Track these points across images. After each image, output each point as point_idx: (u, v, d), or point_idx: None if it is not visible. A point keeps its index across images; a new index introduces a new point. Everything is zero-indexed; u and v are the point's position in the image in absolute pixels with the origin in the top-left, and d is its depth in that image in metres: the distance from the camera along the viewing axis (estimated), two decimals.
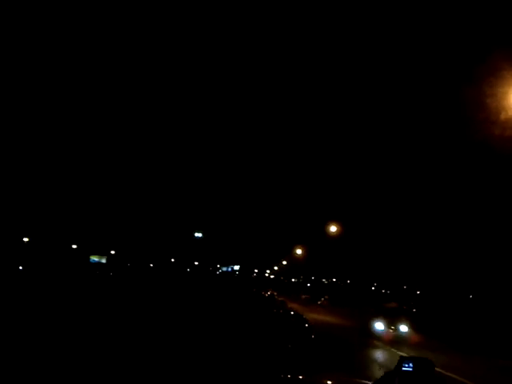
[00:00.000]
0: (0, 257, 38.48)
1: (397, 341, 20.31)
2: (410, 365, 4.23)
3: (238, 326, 13.59)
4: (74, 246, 64.17)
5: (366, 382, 4.67)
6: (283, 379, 4.54)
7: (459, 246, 47.55)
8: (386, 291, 78.17)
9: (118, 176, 65.07)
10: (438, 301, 47.50)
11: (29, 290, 21.94)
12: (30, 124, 51.93)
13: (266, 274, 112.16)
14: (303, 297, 61.84)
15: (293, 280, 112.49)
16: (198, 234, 64.95)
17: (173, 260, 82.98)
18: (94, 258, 69.47)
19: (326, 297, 57.70)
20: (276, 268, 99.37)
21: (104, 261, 70.42)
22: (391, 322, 22.09)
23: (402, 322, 21.91)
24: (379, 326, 22.38)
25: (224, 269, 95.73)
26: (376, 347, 19.38)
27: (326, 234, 36.36)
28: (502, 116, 10.62)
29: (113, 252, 73.71)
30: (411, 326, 21.86)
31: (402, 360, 4.34)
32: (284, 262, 79.27)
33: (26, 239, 55.72)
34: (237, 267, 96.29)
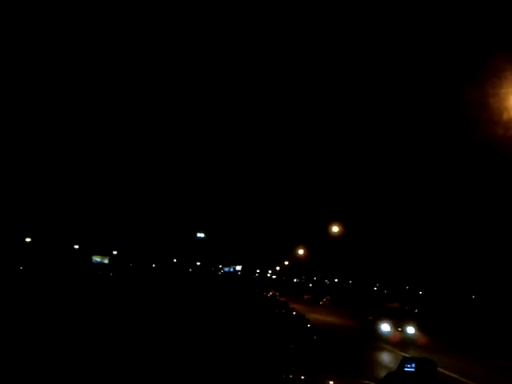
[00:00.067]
0: (0, 257, 38.53)
1: (404, 343, 19.94)
2: (413, 365, 4.24)
3: (241, 326, 13.59)
4: (76, 247, 64.22)
5: (369, 382, 4.67)
6: (285, 379, 4.54)
7: (462, 246, 47.48)
8: (388, 291, 78.01)
9: (121, 176, 65.17)
10: (440, 301, 47.34)
11: (27, 290, 21.93)
12: (33, 125, 52.03)
13: (268, 275, 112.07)
14: (305, 297, 61.75)
15: (295, 280, 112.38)
16: (201, 235, 64.99)
17: (175, 260, 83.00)
18: (97, 259, 69.53)
19: (328, 297, 57.59)
20: (278, 268, 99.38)
21: (106, 261, 70.48)
22: (398, 323, 21.75)
23: (408, 324, 21.57)
24: (385, 327, 22.01)
25: (226, 269, 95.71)
26: (382, 349, 18.99)
27: (328, 234, 36.35)
28: (505, 116, 10.60)
29: (115, 252, 73.78)
30: (418, 327, 21.52)
31: (405, 360, 4.35)
32: (286, 263, 79.23)
33: (28, 239, 55.78)
34: (239, 267, 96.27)
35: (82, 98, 60.86)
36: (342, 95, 65.98)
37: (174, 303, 22.06)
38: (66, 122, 56.40)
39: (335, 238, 36.67)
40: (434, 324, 25.02)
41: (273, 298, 38.75)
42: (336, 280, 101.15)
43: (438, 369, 12.80)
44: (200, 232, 66.21)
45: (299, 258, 55.98)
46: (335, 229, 35.31)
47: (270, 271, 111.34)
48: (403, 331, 21.35)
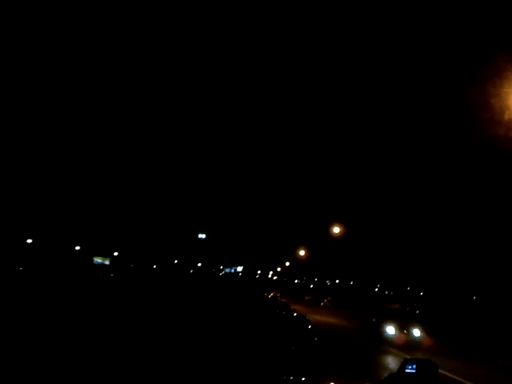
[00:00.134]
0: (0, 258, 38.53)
1: (409, 346, 19.54)
2: (414, 366, 4.21)
3: (242, 327, 13.56)
4: (78, 248, 64.23)
5: (369, 383, 4.64)
6: (286, 381, 4.51)
7: (462, 246, 47.43)
8: (389, 292, 77.98)
9: (122, 177, 65.18)
10: (442, 302, 47.27)
11: (26, 291, 21.88)
12: (34, 126, 52.05)
13: (269, 276, 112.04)
14: (306, 298, 61.70)
15: (296, 281, 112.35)
16: (202, 235, 64.94)
17: (176, 261, 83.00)
18: (98, 260, 69.53)
19: (329, 298, 57.53)
20: (279, 269, 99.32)
21: (107, 262, 70.49)
22: (403, 325, 21.32)
23: (414, 326, 21.18)
24: (390, 330, 21.51)
25: (227, 270, 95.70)
26: (387, 352, 18.62)
27: (329, 235, 36.34)
28: (506, 116, 10.58)
29: (116, 253, 73.79)
30: (424, 329, 21.13)
31: (406, 362, 4.32)
32: (287, 264, 79.18)
33: (29, 241, 55.79)
34: (240, 268, 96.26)
35: (82, 100, 60.98)
36: (343, 96, 65.98)
37: (174, 304, 22.02)
38: (67, 123, 56.44)
39: (336, 238, 36.68)
40: (438, 326, 24.66)
41: (274, 299, 38.70)
42: (337, 281, 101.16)
43: (444, 372, 12.81)
44: (201, 233, 66.16)
45: (300, 258, 55.98)
46: (336, 230, 35.32)
47: (270, 272, 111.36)
48: (409, 334, 20.94)
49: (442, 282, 58.17)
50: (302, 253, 53.59)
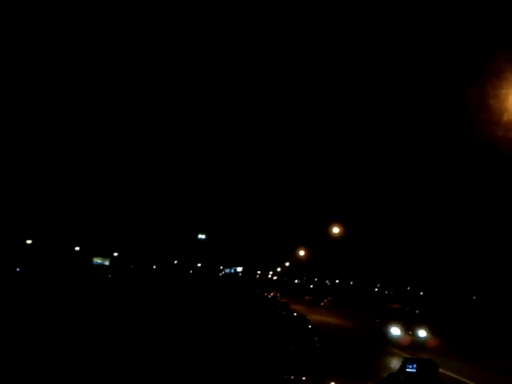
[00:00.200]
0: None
1: (415, 347, 19.19)
2: (414, 366, 4.25)
3: (242, 327, 13.60)
4: (77, 248, 64.26)
5: (370, 383, 4.68)
6: (286, 380, 4.55)
7: (462, 246, 47.49)
8: (389, 292, 78.05)
9: (121, 178, 65.20)
10: (442, 302, 47.33)
11: (22, 292, 21.85)
12: (33, 127, 52.09)
13: (269, 276, 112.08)
14: (306, 298, 61.77)
15: (296, 281, 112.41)
16: (202, 236, 64.95)
17: (176, 262, 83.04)
18: (98, 260, 69.56)
19: (329, 298, 57.60)
20: (279, 269, 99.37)
21: (107, 263, 70.51)
22: (408, 326, 20.92)
23: (420, 327, 20.80)
24: (395, 330, 21.05)
25: (227, 270, 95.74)
26: (391, 353, 18.35)
27: (328, 235, 36.38)
28: (505, 117, 10.62)
29: (116, 254, 73.81)
30: (429, 330, 20.78)
31: (406, 361, 4.36)
32: (287, 264, 79.24)
33: (29, 241, 55.81)
34: (240, 269, 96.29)
35: (82, 100, 61.02)
36: (342, 97, 66.01)
37: (174, 305, 22.06)
38: (67, 123, 56.47)
39: (336, 239, 36.71)
40: (442, 326, 24.36)
41: (274, 299, 38.76)
42: (337, 281, 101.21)
43: (450, 373, 12.83)
44: (201, 233, 66.19)
45: (300, 259, 56.02)
46: (336, 230, 35.36)
47: (270, 272, 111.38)
48: (414, 334, 20.55)
49: (442, 281, 58.25)
50: (301, 253, 53.64)
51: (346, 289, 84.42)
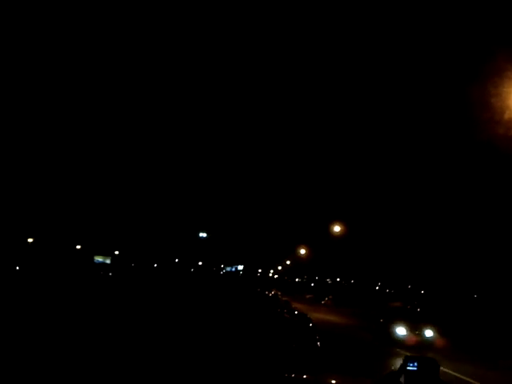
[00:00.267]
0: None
1: (421, 347, 18.65)
2: (415, 364, 4.25)
3: (242, 325, 13.61)
4: (78, 247, 64.34)
5: (370, 381, 4.69)
6: (287, 378, 4.56)
7: (463, 245, 47.47)
8: (390, 290, 78.06)
9: (122, 176, 65.25)
10: (443, 300, 47.30)
11: (21, 291, 21.83)
12: (34, 125, 52.10)
13: (270, 274, 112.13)
14: (307, 296, 61.82)
15: (297, 280, 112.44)
16: (203, 234, 65.04)
17: (177, 260, 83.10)
18: (99, 259, 69.64)
19: (330, 296, 57.63)
20: (280, 268, 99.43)
21: (108, 261, 70.60)
22: (414, 326, 20.47)
23: (426, 327, 20.37)
24: (401, 330, 20.49)
25: (228, 269, 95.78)
26: (395, 353, 17.70)
27: (329, 233, 36.42)
28: (507, 115, 10.61)
29: (117, 252, 73.90)
30: (436, 330, 20.35)
31: (407, 359, 4.35)
32: (288, 262, 79.30)
33: (30, 240, 55.88)
34: (240, 267, 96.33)
35: (82, 100, 61.02)
36: (343, 95, 66.04)
37: (175, 303, 22.06)
38: (67, 122, 56.51)
39: (337, 237, 36.75)
40: (446, 325, 23.71)
41: (275, 297, 38.76)
42: (338, 279, 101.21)
43: (457, 374, 12.78)
44: (202, 232, 66.26)
45: (301, 257, 56.07)
46: (337, 228, 35.41)
47: (271, 271, 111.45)
48: (420, 334, 20.07)
49: (443, 280, 58.22)
50: (302, 251, 53.69)
51: (347, 287, 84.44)
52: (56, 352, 9.60)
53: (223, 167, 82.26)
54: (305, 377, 4.83)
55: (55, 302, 18.76)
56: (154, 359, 9.41)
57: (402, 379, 4.26)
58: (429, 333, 20.12)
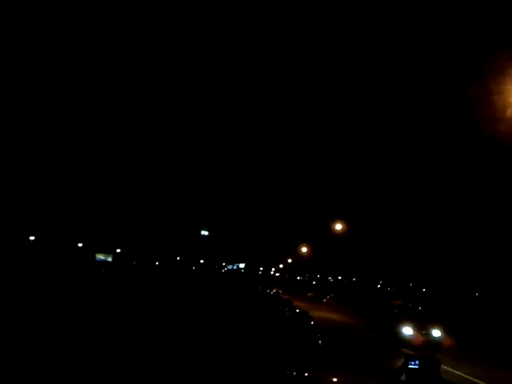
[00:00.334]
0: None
1: (429, 347, 18.24)
2: (416, 362, 4.25)
3: (244, 323, 13.61)
4: (80, 245, 64.41)
5: (372, 379, 4.68)
6: (289, 376, 4.56)
7: (465, 243, 47.43)
8: (391, 289, 78.05)
9: (124, 174, 65.28)
10: (445, 298, 47.28)
11: (21, 289, 21.81)
12: (35, 124, 52.14)
13: (272, 272, 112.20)
14: (309, 295, 61.89)
15: (298, 278, 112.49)
16: (204, 232, 65.09)
17: (178, 258, 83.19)
18: (100, 257, 69.72)
19: (332, 295, 57.69)
20: (281, 266, 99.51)
21: (110, 259, 70.67)
22: (421, 325, 20.13)
23: (434, 326, 20.01)
24: (407, 330, 20.10)
25: (229, 267, 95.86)
26: (397, 352, 17.25)
27: (331, 231, 36.42)
28: (508, 113, 10.59)
29: (119, 250, 73.96)
30: (444, 329, 19.99)
31: (408, 358, 4.36)
32: (289, 260, 79.36)
33: (31, 238, 55.96)
34: (242, 265, 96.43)
35: (83, 99, 61.00)
36: (343, 93, 65.91)
37: (176, 301, 22.08)
38: (68, 120, 56.54)
39: (338, 235, 36.73)
40: (451, 324, 23.14)
41: (276, 295, 38.79)
42: (339, 277, 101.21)
43: (469, 377, 12.65)
44: (204, 230, 66.33)
45: (302, 255, 56.12)
46: (338, 226, 35.40)
47: (273, 269, 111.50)
48: (428, 334, 19.74)
49: (445, 278, 58.17)
50: (304, 249, 53.73)
51: (349, 285, 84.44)
52: (56, 349, 9.62)
53: (225, 165, 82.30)
54: (306, 375, 4.82)
55: (56, 299, 18.78)
56: (155, 357, 9.41)
57: (403, 377, 4.26)
58: (436, 333, 19.75)
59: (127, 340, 11.33)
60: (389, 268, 68.89)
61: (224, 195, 74.15)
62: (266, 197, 79.61)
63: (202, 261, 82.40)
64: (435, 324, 20.29)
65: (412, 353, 17.42)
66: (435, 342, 19.18)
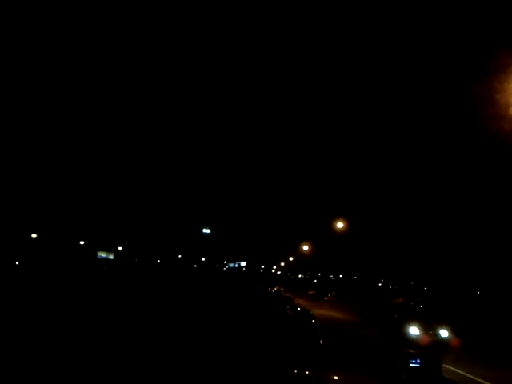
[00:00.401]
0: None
1: (436, 347, 17.55)
2: (418, 361, 4.23)
3: (246, 322, 13.61)
4: (82, 242, 64.47)
5: (373, 377, 4.67)
6: (290, 374, 4.55)
7: (467, 242, 47.36)
8: (393, 287, 78.00)
9: (126, 172, 65.31)
10: (446, 297, 47.19)
11: (22, 286, 21.78)
12: (37, 123, 52.17)
13: (273, 270, 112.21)
14: (310, 293, 61.83)
15: (299, 276, 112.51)
16: (206, 230, 65.02)
17: (180, 256, 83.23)
18: (102, 254, 69.81)
19: (333, 293, 57.62)
20: (283, 264, 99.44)
21: (111, 257, 70.76)
22: (428, 325, 19.68)
23: (441, 326, 19.50)
24: (414, 330, 19.65)
25: (231, 265, 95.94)
26: (398, 350, 16.93)
27: (332, 230, 36.36)
28: (511, 111, 10.55)
29: (120, 248, 74.04)
30: (451, 329, 19.45)
31: (410, 356, 4.34)
32: (291, 259, 79.30)
33: (34, 235, 56.03)
34: (243, 263, 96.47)
35: (85, 98, 61.03)
36: (345, 92, 65.81)
37: (178, 299, 22.09)
38: (70, 118, 56.56)
39: (340, 233, 36.67)
40: (460, 324, 22.50)
41: (277, 293, 38.80)
42: (341, 276, 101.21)
43: (481, 380, 12.42)
44: (205, 228, 66.26)
45: (304, 253, 56.04)
46: (340, 225, 35.33)
47: (274, 267, 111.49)
48: (435, 334, 19.26)
49: (446, 277, 58.10)
50: (305, 248, 53.66)
51: (350, 284, 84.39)
52: (57, 345, 9.62)
53: (227, 164, 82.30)
54: (307, 373, 4.81)
55: (57, 296, 18.80)
56: (155, 354, 9.40)
57: (404, 375, 4.25)
58: (444, 333, 19.34)
59: (128, 334, 11.33)
60: (390, 266, 68.89)
61: (226, 194, 74.20)
62: (267, 195, 79.64)
63: (203, 259, 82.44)
64: (442, 324, 19.83)
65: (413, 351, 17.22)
66: (443, 343, 18.70)
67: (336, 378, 4.79)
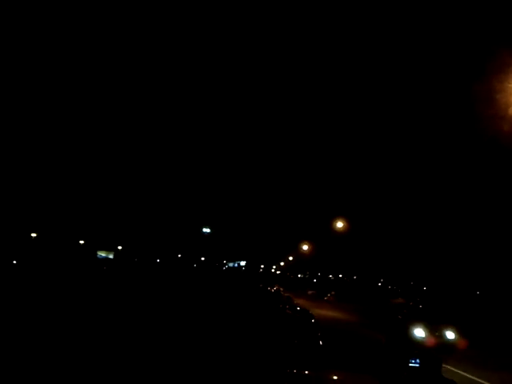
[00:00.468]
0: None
1: (442, 349, 17.14)
2: (417, 361, 4.23)
3: (245, 321, 13.62)
4: (82, 242, 64.45)
5: (372, 377, 4.67)
6: (290, 374, 4.55)
7: (466, 242, 47.38)
8: (392, 287, 78.03)
9: (126, 172, 65.30)
10: (446, 297, 47.19)
11: (21, 285, 21.73)
12: (37, 122, 52.16)
13: (273, 270, 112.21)
14: (309, 292, 61.81)
15: (299, 276, 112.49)
16: (206, 230, 64.99)
17: (180, 255, 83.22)
18: (102, 254, 69.79)
19: (333, 292, 57.62)
20: (282, 264, 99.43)
21: (111, 256, 70.75)
22: (434, 327, 19.27)
23: (447, 328, 19.08)
24: (419, 332, 19.23)
25: (230, 264, 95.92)
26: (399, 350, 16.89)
27: (332, 229, 36.34)
28: (511, 111, 10.54)
29: (120, 247, 74.03)
30: (457, 331, 19.03)
31: (409, 356, 4.34)
32: (290, 258, 79.29)
33: (33, 235, 56.01)
34: (243, 263, 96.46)
35: (86, 98, 61.03)
36: (345, 92, 65.82)
37: (178, 298, 22.09)
38: (70, 118, 56.55)
39: (339, 233, 36.66)
40: (465, 325, 21.86)
41: (277, 293, 38.82)
42: (340, 275, 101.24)
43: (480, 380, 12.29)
44: (205, 227, 66.23)
45: (303, 253, 56.01)
46: (339, 224, 35.30)
47: (274, 267, 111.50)
48: (441, 336, 18.88)
49: (446, 276, 58.12)
50: (305, 247, 53.64)
51: (350, 283, 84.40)
52: (57, 343, 9.61)
53: (227, 163, 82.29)
54: (306, 373, 4.81)
55: (57, 295, 18.79)
56: (155, 353, 9.40)
57: (404, 375, 4.25)
58: (450, 334, 18.91)
59: (128, 334, 11.33)
60: (389, 266, 68.94)
61: (226, 193, 74.19)
62: (267, 195, 79.63)
63: (203, 258, 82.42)
64: (448, 325, 19.41)
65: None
66: (449, 344, 18.35)
67: (335, 377, 4.79)
